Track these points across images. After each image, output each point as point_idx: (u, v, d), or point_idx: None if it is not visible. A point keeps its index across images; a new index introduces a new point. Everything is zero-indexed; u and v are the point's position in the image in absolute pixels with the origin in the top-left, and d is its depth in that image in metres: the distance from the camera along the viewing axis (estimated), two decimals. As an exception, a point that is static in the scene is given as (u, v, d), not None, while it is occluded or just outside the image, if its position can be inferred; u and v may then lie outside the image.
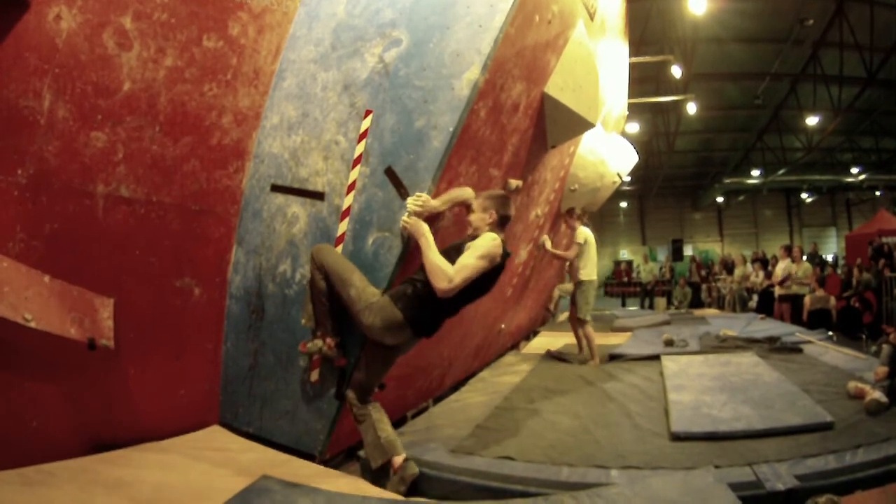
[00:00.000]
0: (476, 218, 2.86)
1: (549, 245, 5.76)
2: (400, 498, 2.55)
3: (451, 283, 2.56)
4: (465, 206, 3.00)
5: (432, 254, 2.64)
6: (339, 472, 2.83)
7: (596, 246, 5.80)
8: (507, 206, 2.91)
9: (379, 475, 2.70)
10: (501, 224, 2.87)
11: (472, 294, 2.78)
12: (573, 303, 5.84)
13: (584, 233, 5.72)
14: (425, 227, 2.73)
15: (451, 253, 2.70)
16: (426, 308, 2.68)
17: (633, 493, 2.33)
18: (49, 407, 2.56)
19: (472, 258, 2.63)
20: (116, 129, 2.68)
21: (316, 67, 3.17)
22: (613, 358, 5.51)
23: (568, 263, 5.92)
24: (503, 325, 5.95)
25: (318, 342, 2.87)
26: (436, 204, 2.85)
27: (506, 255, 2.80)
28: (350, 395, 2.84)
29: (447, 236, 3.06)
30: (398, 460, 2.67)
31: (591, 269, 5.71)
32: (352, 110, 3.03)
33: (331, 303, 2.84)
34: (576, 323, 5.81)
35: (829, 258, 19.52)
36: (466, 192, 2.99)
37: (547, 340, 6.41)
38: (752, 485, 2.41)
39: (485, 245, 2.68)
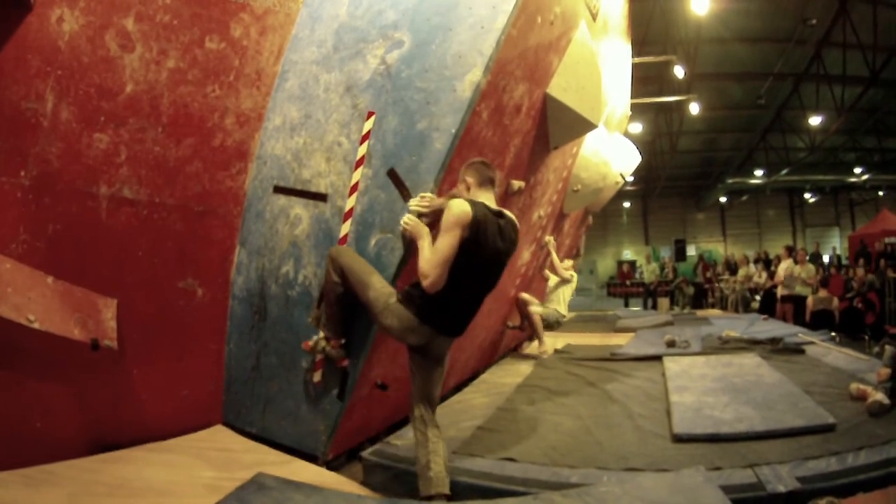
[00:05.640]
0: (457, 192, 2.68)
1: (552, 247, 5.79)
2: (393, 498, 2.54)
3: (427, 278, 2.41)
4: None
5: (422, 255, 2.50)
6: (342, 477, 2.84)
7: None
8: (481, 168, 2.64)
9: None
10: (484, 187, 2.63)
11: (473, 275, 2.56)
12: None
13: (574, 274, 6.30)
14: (425, 230, 2.62)
15: None
16: (437, 306, 2.51)
17: (623, 492, 2.31)
18: (53, 407, 2.57)
19: (440, 240, 2.43)
20: (119, 131, 2.69)
21: (318, 69, 3.17)
22: (615, 357, 5.50)
23: (549, 262, 6.16)
24: (510, 323, 5.98)
25: (322, 341, 2.88)
26: (441, 202, 2.73)
27: (496, 214, 2.55)
28: (413, 409, 2.65)
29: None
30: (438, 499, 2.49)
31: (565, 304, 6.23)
32: (354, 112, 3.03)
33: (343, 308, 2.80)
34: (524, 306, 5.95)
35: (832, 258, 19.45)
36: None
37: (550, 341, 6.40)
38: (753, 486, 2.41)
39: (446, 219, 2.44)
